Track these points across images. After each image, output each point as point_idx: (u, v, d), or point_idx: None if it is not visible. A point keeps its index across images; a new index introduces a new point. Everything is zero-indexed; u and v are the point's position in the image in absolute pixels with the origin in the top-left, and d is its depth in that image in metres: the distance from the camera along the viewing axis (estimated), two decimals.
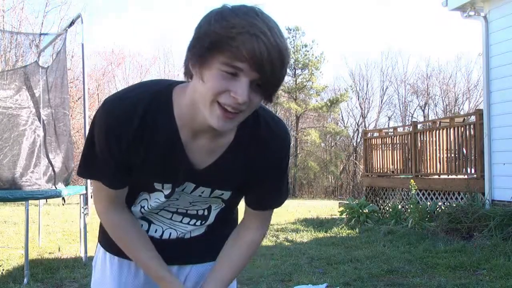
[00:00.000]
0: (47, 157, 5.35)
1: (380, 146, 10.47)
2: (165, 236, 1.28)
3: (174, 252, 1.29)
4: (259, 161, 1.18)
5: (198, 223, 1.28)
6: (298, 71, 26.78)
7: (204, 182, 1.18)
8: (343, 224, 8.03)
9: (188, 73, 1.04)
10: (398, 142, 9.97)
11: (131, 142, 1.09)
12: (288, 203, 15.88)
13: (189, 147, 1.12)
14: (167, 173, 1.15)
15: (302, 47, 26.44)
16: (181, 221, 1.27)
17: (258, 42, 0.92)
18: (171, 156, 1.12)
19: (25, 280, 4.14)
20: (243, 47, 0.92)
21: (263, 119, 1.15)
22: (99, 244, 1.37)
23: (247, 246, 1.29)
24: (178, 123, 1.10)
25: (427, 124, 12.76)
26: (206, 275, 1.32)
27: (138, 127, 1.08)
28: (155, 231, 1.28)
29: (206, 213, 1.27)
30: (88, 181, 4.94)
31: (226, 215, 1.31)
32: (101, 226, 1.32)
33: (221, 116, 0.99)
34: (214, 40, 0.94)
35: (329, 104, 26.11)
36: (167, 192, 1.18)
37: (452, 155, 8.24)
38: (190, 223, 1.27)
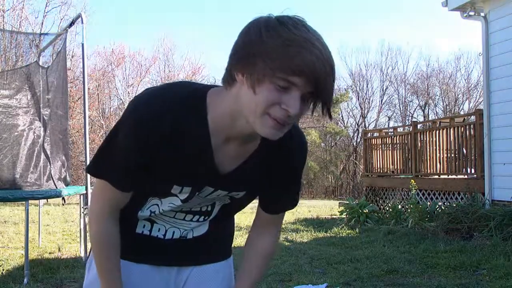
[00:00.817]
0: (47, 157, 5.35)
1: (380, 146, 10.48)
2: (169, 235, 1.27)
3: (176, 253, 1.29)
4: (280, 168, 1.21)
5: (201, 219, 1.28)
6: None
7: (223, 186, 1.18)
8: (343, 224, 8.03)
9: (229, 81, 1.03)
10: (398, 142, 9.97)
11: (159, 144, 1.07)
12: None
13: (217, 152, 1.12)
14: (191, 176, 1.14)
15: None
16: (184, 219, 1.26)
17: (312, 56, 0.93)
18: (199, 160, 1.12)
19: (25, 280, 4.14)
20: (300, 62, 0.93)
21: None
22: None
23: (264, 256, 1.34)
24: (210, 127, 1.09)
25: (427, 124, 12.77)
26: (207, 276, 1.33)
27: (168, 129, 1.06)
28: (159, 230, 1.27)
29: (209, 208, 1.28)
30: (88, 181, 4.94)
31: (229, 210, 1.31)
32: None
33: (273, 126, 1.00)
34: (266, 54, 0.94)
35: None
36: (183, 196, 1.17)
37: (452, 155, 8.24)
38: (194, 219, 1.27)
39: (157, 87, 1.14)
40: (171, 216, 1.26)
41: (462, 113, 25.23)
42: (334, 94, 1.03)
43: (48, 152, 5.39)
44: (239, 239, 5.42)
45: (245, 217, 7.67)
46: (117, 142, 1.09)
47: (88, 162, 2.69)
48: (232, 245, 1.44)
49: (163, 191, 1.18)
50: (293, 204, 1.31)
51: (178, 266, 1.32)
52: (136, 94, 1.13)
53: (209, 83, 1.18)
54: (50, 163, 5.35)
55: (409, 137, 9.36)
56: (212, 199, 1.24)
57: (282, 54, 0.93)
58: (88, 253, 1.42)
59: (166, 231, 1.27)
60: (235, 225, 1.40)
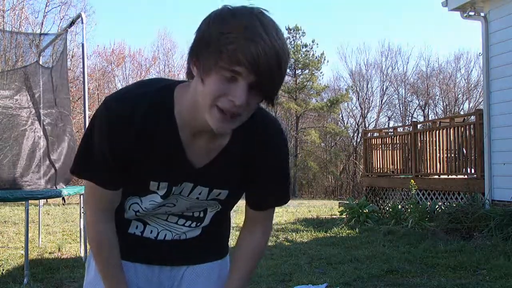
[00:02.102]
0: (48, 157, 5.35)
1: (380, 146, 10.47)
2: (160, 237, 1.28)
3: (168, 253, 1.29)
4: (257, 159, 1.19)
5: (194, 224, 1.28)
6: (298, 71, 26.78)
7: (202, 181, 1.18)
8: (343, 224, 8.03)
9: (189, 74, 1.05)
10: (398, 142, 9.97)
11: (132, 141, 1.09)
12: (288, 203, 15.82)
13: (188, 147, 1.13)
14: (165, 172, 1.15)
15: (302, 47, 26.45)
16: (176, 222, 1.27)
17: (255, 45, 0.92)
18: (171, 155, 1.13)
19: (25, 280, 4.14)
20: (240, 51, 0.92)
21: (258, 118, 1.15)
22: None
23: (253, 253, 1.31)
24: (178, 122, 1.11)
25: (427, 124, 12.77)
26: (200, 275, 1.33)
27: (139, 126, 1.08)
28: (151, 232, 1.28)
29: (201, 215, 1.28)
30: None
31: (221, 216, 1.32)
32: None
33: (220, 119, 1.00)
34: (212, 44, 0.95)
35: (329, 104, 26.11)
36: (162, 192, 1.17)
37: (452, 155, 8.24)
38: (186, 224, 1.28)
39: (128, 86, 1.16)
40: (163, 218, 1.26)
41: (462, 113, 25.22)
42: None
43: (49, 152, 5.39)
44: None
45: None
46: (93, 141, 1.11)
47: None
48: (230, 245, 1.44)
49: (141, 189, 1.18)
50: (282, 199, 1.28)
51: (171, 266, 1.32)
52: (108, 94, 1.15)
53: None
54: (50, 163, 5.35)
55: (409, 137, 9.36)
56: (201, 204, 1.24)
57: (224, 43, 0.93)
58: (88, 252, 1.42)
59: (158, 233, 1.28)
60: (236, 225, 1.40)
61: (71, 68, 17.61)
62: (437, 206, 7.47)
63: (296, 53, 26.26)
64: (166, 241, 1.28)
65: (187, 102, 1.08)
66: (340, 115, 29.44)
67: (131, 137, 1.09)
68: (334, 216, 9.83)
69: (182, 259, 1.32)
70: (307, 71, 26.57)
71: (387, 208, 9.22)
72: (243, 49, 0.92)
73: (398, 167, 9.72)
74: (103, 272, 1.23)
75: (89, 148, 1.13)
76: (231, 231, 1.41)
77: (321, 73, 27.47)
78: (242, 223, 1.35)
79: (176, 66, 28.18)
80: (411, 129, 9.59)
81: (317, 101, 27.41)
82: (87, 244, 4.89)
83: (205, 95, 0.98)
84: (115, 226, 1.22)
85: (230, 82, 0.96)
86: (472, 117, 8.26)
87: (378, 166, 10.40)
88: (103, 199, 1.18)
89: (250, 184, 1.23)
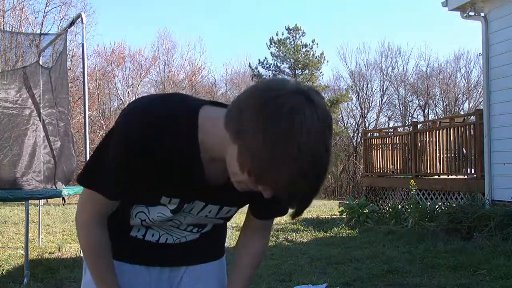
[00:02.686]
0: (52, 157, 5.35)
1: (380, 146, 10.48)
2: (162, 240, 1.29)
3: (168, 254, 1.30)
4: None
5: (195, 230, 1.30)
6: (298, 71, 26.79)
7: (214, 200, 1.19)
8: (343, 224, 8.03)
9: (230, 130, 0.97)
10: (398, 142, 9.98)
11: (152, 166, 1.07)
12: None
13: (207, 168, 1.12)
14: (180, 190, 1.14)
15: (302, 47, 26.45)
16: (178, 227, 1.28)
17: (303, 187, 0.90)
18: (189, 175, 1.12)
19: (25, 280, 4.14)
20: (291, 199, 0.94)
21: None
22: None
23: (253, 260, 1.34)
24: (201, 148, 1.08)
25: (427, 124, 12.76)
26: (200, 277, 1.34)
27: (160, 145, 1.05)
28: (152, 236, 1.28)
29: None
30: None
31: (222, 223, 1.35)
32: None
33: (241, 187, 1.03)
34: (270, 169, 0.89)
35: (329, 104, 26.09)
36: (172, 207, 1.17)
37: (452, 155, 8.24)
38: (187, 229, 1.29)
39: (150, 101, 1.10)
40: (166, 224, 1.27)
41: (462, 113, 25.22)
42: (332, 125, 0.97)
43: (49, 152, 5.39)
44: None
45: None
46: (108, 154, 1.09)
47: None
48: (227, 245, 1.46)
49: (150, 200, 1.18)
50: (285, 211, 1.30)
51: (171, 267, 1.32)
52: (129, 105, 1.10)
53: (205, 99, 1.15)
54: (51, 163, 5.35)
55: (409, 137, 9.36)
56: (205, 220, 1.25)
57: (283, 186, 0.90)
58: None
59: (160, 237, 1.28)
60: (236, 224, 1.40)
61: (71, 68, 17.62)
62: (437, 206, 7.47)
63: (296, 53, 26.27)
64: (166, 244, 1.29)
65: (214, 141, 1.05)
66: (340, 115, 29.42)
67: (151, 163, 1.07)
68: (334, 216, 9.83)
69: (181, 260, 1.33)
70: (307, 71, 26.57)
71: (387, 208, 9.22)
72: (290, 190, 0.91)
73: (398, 167, 9.72)
74: (97, 276, 1.22)
75: (102, 162, 1.10)
76: (231, 230, 1.42)
77: (321, 73, 27.49)
78: (242, 223, 1.36)
79: (176, 66, 28.22)
80: (411, 129, 9.59)
81: None
82: None
83: (233, 176, 1.00)
84: (107, 230, 1.21)
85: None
86: (472, 117, 8.26)
87: (378, 166, 10.40)
88: (102, 209, 1.17)
89: (257, 199, 1.24)
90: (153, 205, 1.18)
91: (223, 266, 1.41)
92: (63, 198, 5.87)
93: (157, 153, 1.06)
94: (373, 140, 11.00)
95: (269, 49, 26.66)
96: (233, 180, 1.02)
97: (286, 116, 0.87)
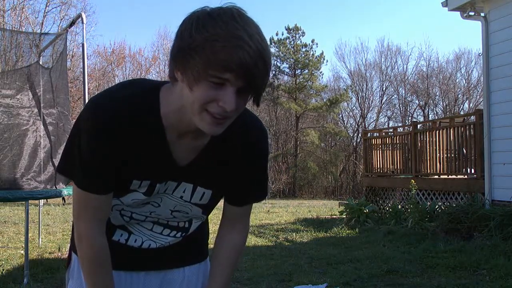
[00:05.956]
0: (49, 157, 5.35)
1: (380, 146, 10.48)
2: (145, 246, 1.28)
3: (152, 259, 1.29)
4: (239, 157, 1.21)
5: (178, 234, 1.30)
6: (298, 71, 26.79)
7: (186, 178, 1.20)
8: (343, 224, 8.03)
9: (173, 78, 1.04)
10: (398, 142, 9.98)
11: (119, 144, 1.09)
12: (288, 203, 15.88)
13: (173, 146, 1.14)
14: (149, 171, 1.15)
15: (302, 47, 26.45)
16: (161, 233, 1.27)
17: (242, 52, 0.93)
18: (157, 155, 1.14)
19: (25, 280, 4.15)
20: (229, 59, 0.93)
21: (240, 116, 1.14)
22: (74, 254, 1.31)
23: (234, 252, 1.32)
24: (165, 123, 1.11)
25: (427, 124, 12.77)
26: (184, 279, 1.33)
27: (126, 127, 1.08)
28: (135, 241, 1.28)
29: (187, 225, 1.30)
30: None
31: (203, 223, 1.36)
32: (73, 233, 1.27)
33: (212, 123, 1.01)
34: (198, 52, 0.95)
35: (328, 104, 26.11)
36: (143, 189, 1.17)
37: (452, 155, 8.24)
38: (171, 234, 1.29)
39: (113, 87, 1.15)
40: (148, 228, 1.27)
41: (462, 113, 25.23)
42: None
43: (49, 152, 5.39)
44: None
45: None
46: (79, 144, 1.10)
47: None
48: (209, 245, 1.44)
49: (121, 189, 1.17)
50: (261, 195, 1.30)
51: (156, 270, 1.32)
52: (94, 95, 1.14)
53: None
54: (51, 163, 5.35)
55: (409, 137, 9.36)
56: (186, 208, 1.24)
57: (210, 51, 0.93)
58: (67, 263, 1.36)
59: (143, 242, 1.28)
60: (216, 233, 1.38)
61: (71, 68, 17.63)
62: (437, 206, 7.47)
63: (296, 53, 26.27)
64: (150, 249, 1.29)
65: (173, 105, 1.09)
66: (340, 115, 29.45)
67: (119, 141, 1.09)
68: (334, 216, 9.83)
69: (166, 264, 1.32)
70: (306, 71, 26.57)
71: (387, 208, 9.22)
72: (231, 56, 0.93)
73: (398, 167, 9.72)
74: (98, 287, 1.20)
75: (74, 150, 1.12)
76: (213, 235, 1.40)
77: (320, 73, 27.52)
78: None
79: None
80: (411, 129, 9.59)
81: (316, 101, 27.41)
82: None
83: (194, 101, 0.99)
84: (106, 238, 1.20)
85: (218, 88, 0.97)
86: (472, 117, 8.26)
87: (378, 166, 10.40)
88: (95, 207, 1.15)
89: (231, 181, 1.24)
90: (123, 195, 1.18)
91: (207, 268, 1.40)
92: (63, 198, 5.86)
93: (123, 128, 1.08)
94: (373, 140, 11.00)
95: None
96: (196, 119, 1.02)
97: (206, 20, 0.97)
